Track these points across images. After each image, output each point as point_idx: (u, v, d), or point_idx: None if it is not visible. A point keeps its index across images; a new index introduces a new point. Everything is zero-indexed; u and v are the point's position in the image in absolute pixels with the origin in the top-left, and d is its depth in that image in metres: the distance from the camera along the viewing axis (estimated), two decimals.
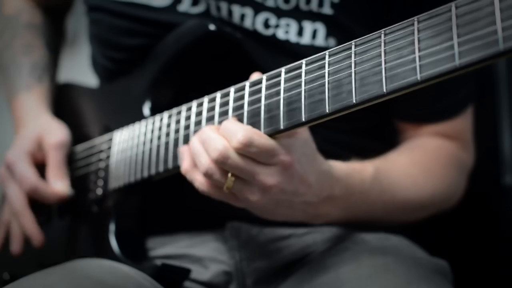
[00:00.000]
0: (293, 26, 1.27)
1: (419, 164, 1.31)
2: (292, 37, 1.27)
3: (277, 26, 1.27)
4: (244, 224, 1.31)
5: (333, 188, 1.13)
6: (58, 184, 1.33)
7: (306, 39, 1.27)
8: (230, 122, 1.06)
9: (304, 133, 1.07)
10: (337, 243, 1.29)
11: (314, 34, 1.27)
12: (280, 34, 1.27)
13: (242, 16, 1.28)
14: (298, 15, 1.27)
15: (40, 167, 1.36)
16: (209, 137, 1.05)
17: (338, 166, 1.15)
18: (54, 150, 1.35)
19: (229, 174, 1.05)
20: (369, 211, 1.26)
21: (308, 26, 1.27)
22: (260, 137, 1.03)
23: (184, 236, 1.34)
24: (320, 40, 1.26)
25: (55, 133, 1.37)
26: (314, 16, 1.26)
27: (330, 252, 1.27)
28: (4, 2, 1.60)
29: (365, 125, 1.37)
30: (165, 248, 1.33)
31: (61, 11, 1.63)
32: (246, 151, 1.02)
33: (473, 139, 1.39)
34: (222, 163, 1.04)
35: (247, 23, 1.28)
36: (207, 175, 1.06)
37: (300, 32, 1.27)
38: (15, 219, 1.36)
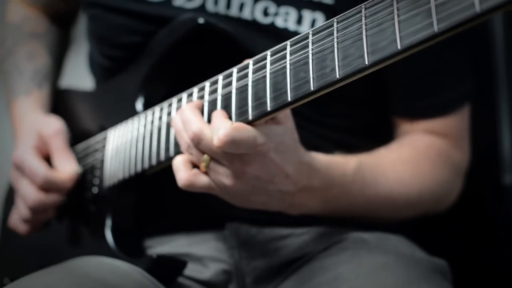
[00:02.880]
0: (293, 14, 1.28)
1: (407, 161, 1.30)
2: (291, 26, 1.28)
3: (276, 14, 1.28)
4: (244, 225, 1.31)
5: (311, 178, 1.13)
6: (66, 167, 1.33)
7: (305, 28, 1.27)
8: (217, 117, 1.06)
9: (287, 122, 1.08)
10: (336, 242, 1.28)
11: (313, 23, 1.27)
12: (279, 22, 1.28)
13: (241, 5, 1.29)
14: (298, 3, 1.27)
15: (47, 160, 1.36)
16: (187, 118, 1.08)
17: (319, 158, 1.15)
18: (54, 138, 1.36)
19: (205, 155, 1.07)
20: (351, 205, 1.25)
21: (307, 15, 1.27)
22: (241, 131, 1.03)
23: (184, 235, 1.34)
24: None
25: (51, 124, 1.38)
26: (314, 5, 1.27)
27: (329, 252, 1.26)
28: (7, 10, 1.62)
29: (360, 123, 1.37)
30: (164, 247, 1.33)
31: (67, 18, 1.65)
32: (226, 150, 1.04)
33: (470, 139, 1.37)
34: (196, 144, 1.06)
35: (246, 12, 1.29)
36: (187, 153, 1.09)
37: (299, 21, 1.28)
38: (31, 215, 1.36)
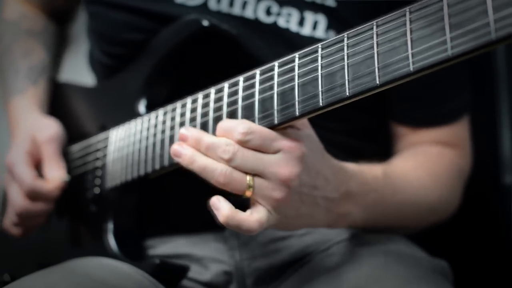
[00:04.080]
0: (295, 15, 1.27)
1: (425, 168, 1.31)
2: (293, 27, 1.27)
3: (278, 14, 1.28)
4: None
5: (349, 183, 1.12)
6: (53, 174, 1.33)
7: (306, 30, 1.27)
8: (225, 121, 1.06)
9: (306, 128, 1.07)
10: (337, 243, 1.28)
11: (314, 25, 1.27)
12: (281, 22, 1.28)
13: (244, 4, 1.28)
14: (301, 4, 1.27)
15: (40, 165, 1.36)
16: (212, 142, 1.04)
17: (348, 164, 1.14)
18: (47, 145, 1.35)
19: (247, 176, 1.03)
20: (385, 213, 1.24)
21: (309, 17, 1.27)
22: (257, 125, 1.03)
23: (184, 236, 1.34)
24: (320, 32, 1.26)
25: (46, 128, 1.37)
26: (316, 7, 1.27)
27: (330, 252, 1.26)
28: (4, 7, 1.61)
29: (360, 127, 1.36)
30: (165, 247, 1.33)
31: (65, 16, 1.64)
32: (248, 140, 1.02)
33: (472, 142, 1.38)
34: (233, 160, 1.02)
35: (249, 11, 1.28)
36: (226, 182, 1.03)
37: (301, 22, 1.27)
38: (19, 221, 1.37)
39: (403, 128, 1.36)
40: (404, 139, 1.36)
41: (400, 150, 1.36)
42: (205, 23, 1.24)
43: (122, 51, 1.37)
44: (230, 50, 1.26)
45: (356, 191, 1.14)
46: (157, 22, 1.31)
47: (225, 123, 1.05)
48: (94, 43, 1.47)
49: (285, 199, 1.04)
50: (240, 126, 1.02)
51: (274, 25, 1.28)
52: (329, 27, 1.27)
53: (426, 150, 1.34)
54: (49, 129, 1.37)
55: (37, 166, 1.36)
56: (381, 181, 1.20)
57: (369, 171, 1.18)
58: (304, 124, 1.06)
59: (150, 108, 1.27)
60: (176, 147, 1.08)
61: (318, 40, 1.01)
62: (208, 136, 1.06)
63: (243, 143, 1.02)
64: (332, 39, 0.97)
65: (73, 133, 1.41)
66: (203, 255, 1.31)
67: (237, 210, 1.03)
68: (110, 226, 1.28)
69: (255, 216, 1.04)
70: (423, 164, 1.31)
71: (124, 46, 1.37)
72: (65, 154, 1.39)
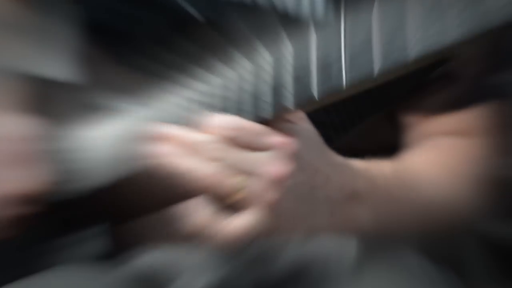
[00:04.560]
0: None
1: (437, 163, 1.26)
2: (290, 6, 1.24)
3: None
4: None
5: (355, 182, 1.08)
6: (38, 176, 1.26)
7: (304, 9, 1.24)
8: (212, 117, 1.01)
9: (303, 123, 1.03)
10: (337, 252, 1.23)
11: (312, 3, 1.24)
12: (278, 4, 1.25)
13: None
14: None
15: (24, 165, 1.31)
16: (198, 141, 1.00)
17: (354, 161, 1.10)
18: (28, 144, 1.29)
19: (239, 177, 0.99)
20: (398, 214, 1.19)
21: None
22: (246, 120, 0.99)
23: (173, 243, 1.28)
24: (319, 9, 1.23)
25: (27, 127, 1.32)
26: None
27: (329, 261, 1.22)
28: None
29: (357, 121, 1.31)
30: (153, 255, 1.28)
31: (47, 6, 1.63)
32: (237, 137, 0.98)
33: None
34: (221, 159, 0.98)
35: None
36: (215, 183, 0.99)
37: (298, 2, 1.24)
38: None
39: (411, 116, 1.31)
40: (413, 130, 1.31)
41: (409, 144, 1.31)
42: (201, 19, 1.23)
43: (108, 39, 1.35)
44: (223, 43, 1.23)
45: (364, 191, 1.09)
46: (149, 9, 1.29)
47: (212, 119, 1.01)
48: (78, 32, 1.45)
49: (279, 201, 0.99)
50: (228, 121, 0.99)
51: (271, 6, 1.25)
52: (328, 2, 1.23)
53: (437, 143, 1.29)
54: (30, 127, 1.33)
55: (19, 167, 1.31)
56: (391, 178, 1.15)
57: (375, 166, 1.13)
58: (300, 118, 1.02)
59: (133, 103, 1.23)
60: (157, 146, 1.04)
61: (317, 19, 1.02)
62: (191, 133, 1.02)
63: (231, 140, 0.98)
64: (328, 28, 0.95)
65: (56, 132, 1.36)
66: (194, 264, 1.27)
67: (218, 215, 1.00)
68: (92, 230, 1.26)
69: (239, 221, 0.99)
70: (435, 158, 1.26)
71: (109, 35, 1.35)
72: (48, 154, 1.34)
